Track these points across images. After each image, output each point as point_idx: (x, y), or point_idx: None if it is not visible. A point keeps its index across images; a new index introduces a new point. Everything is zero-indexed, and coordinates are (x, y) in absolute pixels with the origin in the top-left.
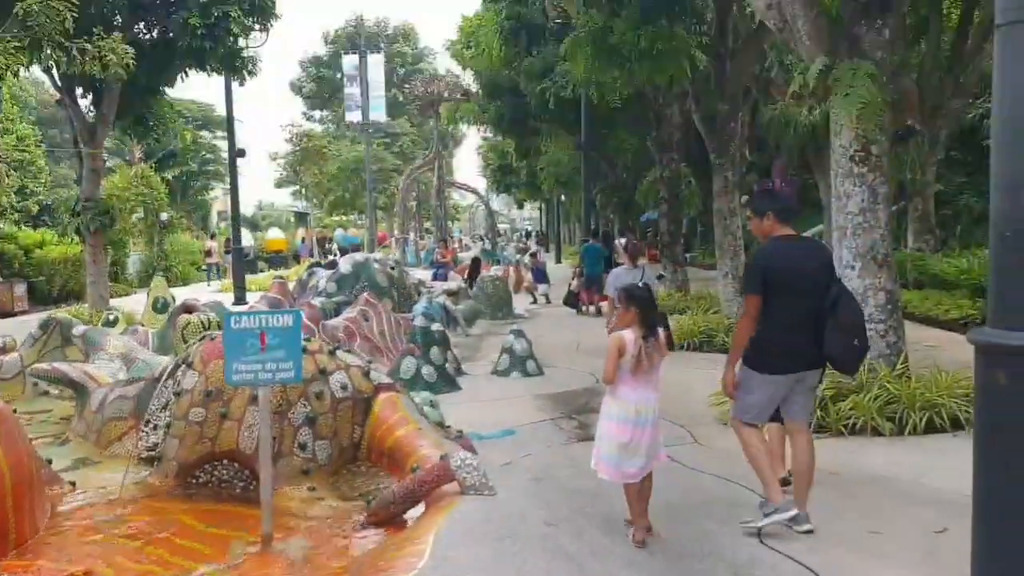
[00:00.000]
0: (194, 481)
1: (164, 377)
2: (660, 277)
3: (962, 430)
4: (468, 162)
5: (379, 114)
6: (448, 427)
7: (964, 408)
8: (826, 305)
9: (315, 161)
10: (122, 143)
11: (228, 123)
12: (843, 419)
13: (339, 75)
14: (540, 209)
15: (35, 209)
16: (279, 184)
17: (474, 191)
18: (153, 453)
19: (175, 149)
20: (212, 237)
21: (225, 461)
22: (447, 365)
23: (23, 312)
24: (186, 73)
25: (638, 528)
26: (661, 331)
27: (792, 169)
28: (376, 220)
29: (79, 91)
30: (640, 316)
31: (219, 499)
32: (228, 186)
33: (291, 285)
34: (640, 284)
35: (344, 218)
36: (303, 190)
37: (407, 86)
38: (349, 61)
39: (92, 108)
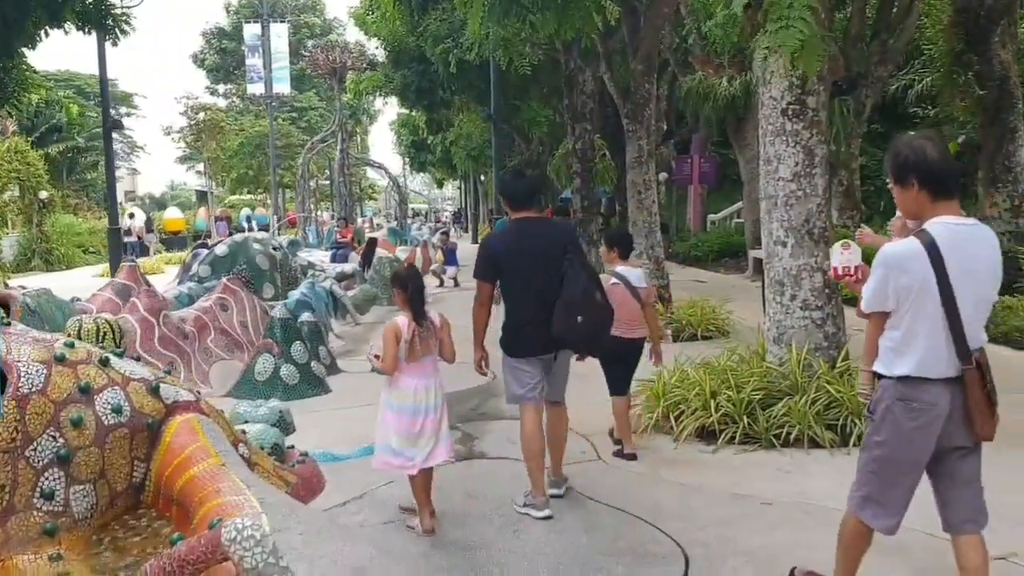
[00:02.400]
0: None
1: None
2: None
3: None
4: (385, 139)
5: (283, 86)
6: (290, 449)
7: None
8: (557, 284)
9: (212, 136)
10: None
11: (102, 88)
12: (774, 428)
13: (243, 47)
14: (460, 188)
15: None
16: (182, 161)
17: (380, 166)
18: None
19: (59, 123)
20: (131, 216)
21: None
22: (314, 363)
23: None
24: (45, 32)
25: (424, 517)
26: (438, 315)
27: (711, 144)
28: (284, 199)
29: None
30: (409, 300)
31: None
32: (132, 166)
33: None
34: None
35: (252, 197)
36: (205, 167)
37: (307, 55)
38: (251, 31)
39: None
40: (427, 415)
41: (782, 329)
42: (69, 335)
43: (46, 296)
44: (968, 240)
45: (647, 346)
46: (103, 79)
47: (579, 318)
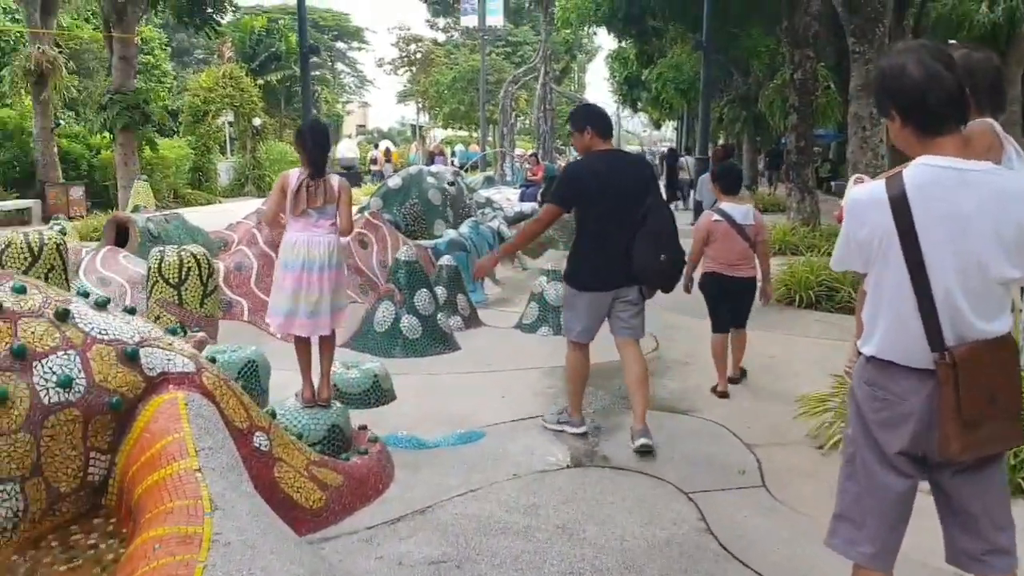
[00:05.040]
0: None
1: None
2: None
3: None
4: (601, 77)
5: (496, 18)
6: (361, 430)
7: None
8: (638, 218)
9: (424, 69)
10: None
11: (299, 9)
12: None
13: None
14: (677, 129)
15: (163, 115)
16: (402, 97)
17: (583, 101)
18: None
19: (279, 52)
20: (375, 147)
21: None
22: (441, 315)
23: (80, 216)
24: None
25: (306, 386)
26: (338, 179)
27: None
28: (495, 135)
29: None
30: (308, 154)
31: None
32: (363, 100)
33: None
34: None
35: (467, 134)
36: (418, 102)
37: None
38: None
39: None
40: (313, 274)
41: None
42: (150, 269)
43: (177, 221)
44: (960, 189)
45: None
46: (300, 2)
47: (663, 256)
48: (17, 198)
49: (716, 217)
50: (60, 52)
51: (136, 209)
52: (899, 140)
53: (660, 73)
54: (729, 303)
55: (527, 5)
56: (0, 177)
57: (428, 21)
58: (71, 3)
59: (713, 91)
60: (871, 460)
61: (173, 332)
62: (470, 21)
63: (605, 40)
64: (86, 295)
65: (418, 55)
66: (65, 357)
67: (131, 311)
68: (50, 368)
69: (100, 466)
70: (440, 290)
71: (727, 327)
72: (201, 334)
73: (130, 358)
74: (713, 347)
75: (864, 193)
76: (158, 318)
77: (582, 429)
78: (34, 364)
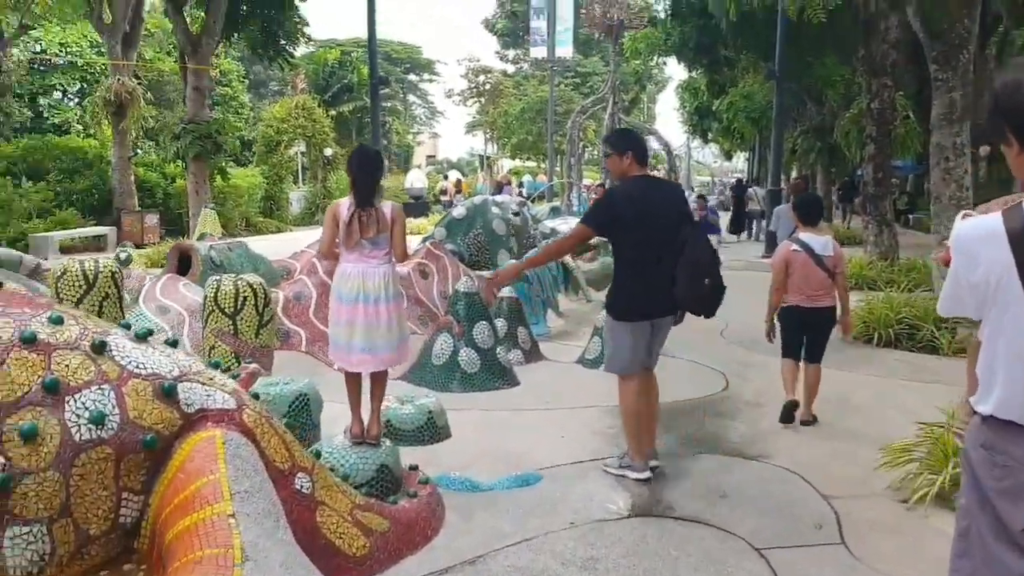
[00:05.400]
0: None
1: None
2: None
3: None
4: (671, 107)
5: (566, 50)
6: (412, 470)
7: None
8: (676, 246)
9: (492, 100)
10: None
11: (369, 42)
12: None
13: (530, 9)
14: (749, 159)
15: (236, 145)
16: (469, 128)
17: (653, 132)
18: None
19: (351, 83)
20: (445, 178)
21: None
22: (500, 348)
23: (153, 244)
24: None
25: (352, 422)
26: (391, 206)
27: None
28: (564, 166)
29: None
30: (353, 181)
31: None
32: (433, 131)
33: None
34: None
35: (535, 164)
36: (486, 132)
37: (583, 11)
38: None
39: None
40: (370, 305)
41: None
42: (206, 298)
43: (240, 250)
44: None
45: None
46: (371, 32)
47: (706, 280)
48: (94, 225)
49: (795, 247)
50: (140, 83)
51: (202, 237)
52: (1018, 168)
53: (731, 103)
54: (808, 334)
55: (596, 36)
56: (79, 204)
57: (498, 52)
58: (152, 36)
59: (786, 121)
60: (988, 535)
61: (215, 366)
62: (539, 52)
63: (675, 70)
64: (128, 327)
65: (487, 86)
66: (99, 392)
67: (173, 343)
68: (83, 403)
69: (132, 507)
70: (500, 323)
71: (798, 355)
72: (254, 365)
73: (167, 393)
74: (783, 372)
75: (974, 227)
76: (213, 348)
77: (645, 475)
78: (66, 399)
